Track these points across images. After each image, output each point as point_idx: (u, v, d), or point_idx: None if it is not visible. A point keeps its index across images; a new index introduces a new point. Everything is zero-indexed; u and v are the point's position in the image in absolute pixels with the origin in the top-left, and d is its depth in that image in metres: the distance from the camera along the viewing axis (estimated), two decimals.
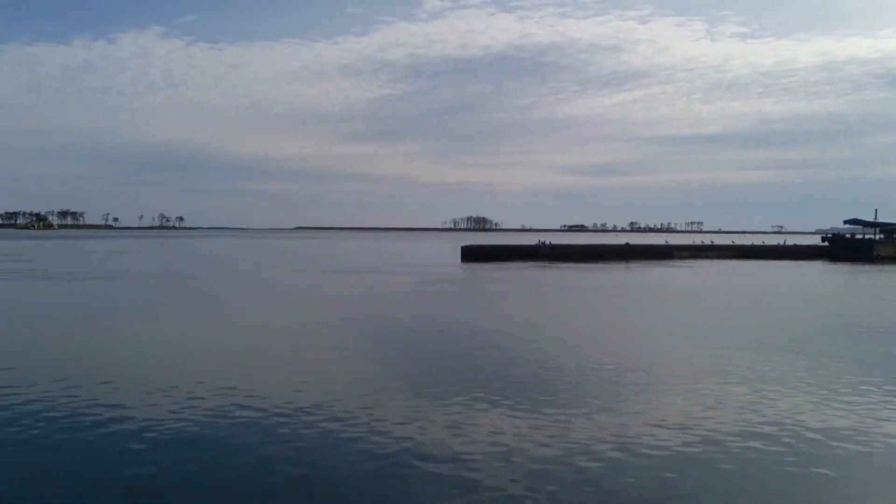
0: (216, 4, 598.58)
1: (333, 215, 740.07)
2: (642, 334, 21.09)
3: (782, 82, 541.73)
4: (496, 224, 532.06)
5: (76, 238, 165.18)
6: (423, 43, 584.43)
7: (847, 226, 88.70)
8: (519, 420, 11.16)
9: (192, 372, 14.80)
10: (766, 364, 15.87)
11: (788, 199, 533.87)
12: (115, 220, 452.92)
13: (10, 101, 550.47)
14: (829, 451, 9.80)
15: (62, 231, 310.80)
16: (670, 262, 65.52)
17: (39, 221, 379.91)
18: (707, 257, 75.58)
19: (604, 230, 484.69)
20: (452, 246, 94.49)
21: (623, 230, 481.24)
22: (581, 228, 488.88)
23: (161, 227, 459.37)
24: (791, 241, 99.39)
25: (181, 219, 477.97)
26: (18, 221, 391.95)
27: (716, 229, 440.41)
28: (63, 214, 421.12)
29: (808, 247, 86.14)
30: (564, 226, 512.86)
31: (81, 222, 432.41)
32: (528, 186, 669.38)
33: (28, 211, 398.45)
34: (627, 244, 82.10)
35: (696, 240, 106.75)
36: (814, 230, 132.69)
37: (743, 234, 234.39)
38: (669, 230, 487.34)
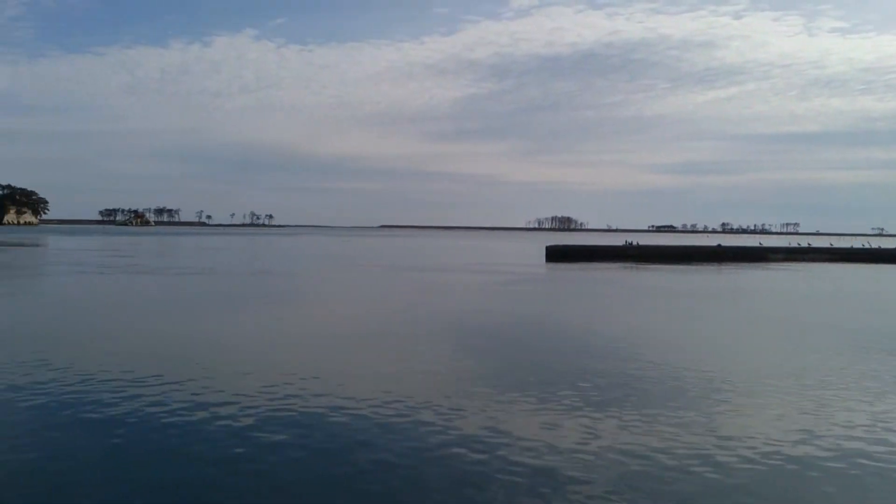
0: (307, 7, 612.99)
1: (418, 214, 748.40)
2: (736, 339, 20.16)
3: (884, 79, 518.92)
4: (581, 224, 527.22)
5: (172, 235, 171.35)
6: (510, 41, 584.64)
7: None
8: (603, 424, 10.67)
9: (278, 366, 14.84)
10: (871, 371, 14.84)
11: (890, 200, 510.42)
12: (209, 217, 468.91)
13: (111, 102, 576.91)
14: None
15: (158, 228, 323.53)
16: (764, 265, 63.10)
17: (137, 218, 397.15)
18: (804, 260, 72.55)
19: (694, 231, 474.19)
20: (537, 245, 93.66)
21: (714, 231, 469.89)
22: (670, 229, 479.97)
23: (251, 225, 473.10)
24: (893, 244, 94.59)
25: (270, 216, 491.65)
26: (117, 218, 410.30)
27: (813, 231, 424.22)
28: (159, 212, 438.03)
29: None
30: (652, 226, 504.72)
31: (176, 219, 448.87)
32: (615, 186, 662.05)
33: (126, 208, 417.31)
34: (719, 245, 79.51)
35: (792, 242, 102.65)
36: None
37: (841, 237, 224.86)
38: (763, 232, 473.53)
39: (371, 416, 11.11)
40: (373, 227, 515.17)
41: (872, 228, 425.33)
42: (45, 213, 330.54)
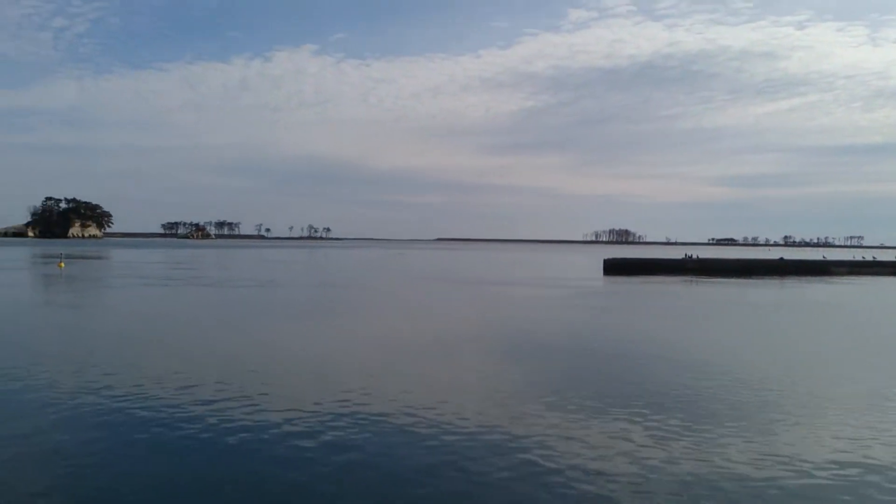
0: (365, 22, 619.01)
1: (474, 227, 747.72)
2: (800, 355, 19.72)
3: None
4: (639, 237, 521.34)
5: (232, 248, 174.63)
6: (568, 54, 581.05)
7: None
8: (662, 440, 10.58)
9: (338, 378, 15.07)
10: None
11: None
12: (268, 230, 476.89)
13: (174, 118, 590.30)
14: None
15: (219, 241, 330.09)
16: (828, 279, 61.48)
17: (198, 231, 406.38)
18: (868, 274, 70.43)
19: (755, 244, 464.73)
20: (594, 259, 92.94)
21: (776, 244, 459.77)
22: (730, 242, 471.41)
23: (309, 238, 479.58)
24: None
25: (328, 229, 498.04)
26: (179, 231, 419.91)
27: (877, 244, 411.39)
28: (220, 225, 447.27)
29: None
30: (712, 239, 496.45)
31: (237, 232, 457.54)
32: (674, 198, 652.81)
33: (188, 221, 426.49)
34: (782, 259, 77.80)
35: (857, 255, 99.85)
36: None
37: None
38: (827, 245, 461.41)
39: (430, 426, 11.21)
40: (429, 240, 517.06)
41: None
42: (108, 226, 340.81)
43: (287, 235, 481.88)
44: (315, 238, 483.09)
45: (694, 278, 59.06)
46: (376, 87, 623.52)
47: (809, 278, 61.67)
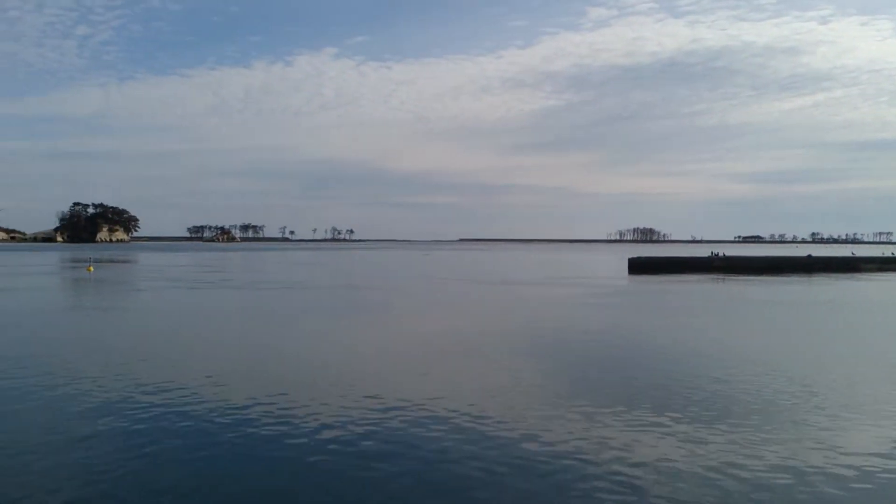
0: (385, 25, 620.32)
1: (497, 227, 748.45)
2: (830, 354, 19.51)
3: None
4: (664, 235, 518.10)
5: (257, 250, 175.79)
6: (589, 52, 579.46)
7: None
8: (689, 441, 10.54)
9: (366, 378, 15.19)
10: None
11: None
12: (292, 232, 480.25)
13: (198, 122, 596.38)
14: None
15: (244, 244, 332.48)
16: (857, 276, 60.76)
17: (223, 234, 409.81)
18: None
19: (782, 241, 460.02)
20: (619, 258, 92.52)
21: (804, 241, 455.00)
22: (757, 240, 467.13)
23: (333, 240, 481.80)
24: None
25: (351, 231, 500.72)
26: (205, 234, 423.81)
27: None
28: (244, 228, 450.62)
29: None
30: (739, 237, 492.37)
31: (261, 235, 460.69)
32: (699, 196, 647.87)
33: (213, 225, 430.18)
34: (810, 256, 76.92)
35: (886, 252, 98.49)
36: None
37: None
38: (855, 241, 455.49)
39: (459, 428, 11.27)
40: (451, 241, 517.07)
41: None
42: (135, 230, 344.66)
43: (311, 237, 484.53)
44: (338, 240, 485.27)
45: (721, 276, 58.59)
46: (397, 89, 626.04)
47: (838, 275, 60.97)
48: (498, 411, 12.28)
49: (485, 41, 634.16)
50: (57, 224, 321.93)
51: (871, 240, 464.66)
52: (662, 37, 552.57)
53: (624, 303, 35.68)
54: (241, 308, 32.68)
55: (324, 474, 9.16)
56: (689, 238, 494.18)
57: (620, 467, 9.33)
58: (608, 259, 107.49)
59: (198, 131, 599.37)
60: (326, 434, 10.89)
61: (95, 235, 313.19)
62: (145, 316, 29.08)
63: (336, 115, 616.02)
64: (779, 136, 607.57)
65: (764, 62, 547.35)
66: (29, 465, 9.48)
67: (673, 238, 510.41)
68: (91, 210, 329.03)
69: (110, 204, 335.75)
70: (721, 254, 76.55)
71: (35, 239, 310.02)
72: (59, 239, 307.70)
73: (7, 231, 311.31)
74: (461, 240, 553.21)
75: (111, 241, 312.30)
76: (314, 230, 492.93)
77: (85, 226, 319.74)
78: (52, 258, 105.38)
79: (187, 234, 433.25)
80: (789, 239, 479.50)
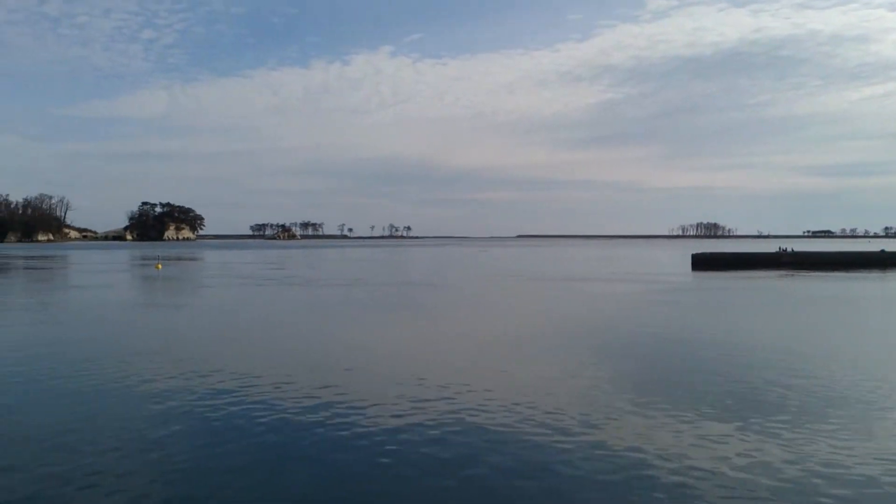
0: (441, 22, 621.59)
1: (555, 223, 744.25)
2: None
3: None
4: (729, 230, 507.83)
5: (317, 247, 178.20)
6: (648, 44, 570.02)
7: None
8: (759, 441, 10.27)
9: (421, 375, 15.18)
10: None
11: None
12: (350, 230, 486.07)
13: (259, 122, 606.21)
14: None
15: (304, 241, 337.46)
16: None
17: (284, 232, 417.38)
18: None
19: (854, 236, 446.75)
20: (682, 253, 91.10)
21: (877, 236, 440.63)
22: (827, 234, 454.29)
23: (390, 237, 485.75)
24: None
25: (409, 228, 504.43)
26: (266, 232, 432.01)
27: None
28: (304, 225, 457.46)
29: None
30: (808, 231, 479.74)
31: (321, 232, 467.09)
32: (764, 190, 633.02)
33: (274, 223, 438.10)
34: (883, 251, 74.39)
35: None
36: None
37: None
38: None
39: (516, 424, 11.22)
40: (510, 237, 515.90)
41: None
42: (201, 228, 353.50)
43: (369, 235, 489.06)
44: (396, 237, 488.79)
45: (790, 272, 57.10)
46: (452, 85, 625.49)
47: None
48: (557, 410, 12.15)
49: (541, 35, 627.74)
50: (126, 223, 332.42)
51: None
52: (724, 27, 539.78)
53: (688, 300, 35.03)
54: (306, 304, 33.12)
55: (379, 467, 9.22)
56: (756, 233, 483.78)
57: (684, 467, 9.16)
58: (671, 255, 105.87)
59: (259, 131, 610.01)
60: (380, 427, 10.97)
61: (163, 234, 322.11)
62: (216, 312, 29.74)
63: (393, 112, 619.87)
64: (849, 127, 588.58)
65: (831, 50, 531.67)
66: (105, 466, 9.74)
67: (738, 233, 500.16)
68: (158, 209, 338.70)
69: (177, 203, 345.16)
70: (790, 249, 74.65)
71: (106, 237, 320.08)
72: (129, 237, 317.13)
73: (80, 230, 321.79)
74: (520, 236, 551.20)
75: (178, 239, 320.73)
76: (372, 227, 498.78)
77: (153, 224, 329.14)
78: (122, 256, 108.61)
79: (250, 232, 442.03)
80: (861, 233, 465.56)
